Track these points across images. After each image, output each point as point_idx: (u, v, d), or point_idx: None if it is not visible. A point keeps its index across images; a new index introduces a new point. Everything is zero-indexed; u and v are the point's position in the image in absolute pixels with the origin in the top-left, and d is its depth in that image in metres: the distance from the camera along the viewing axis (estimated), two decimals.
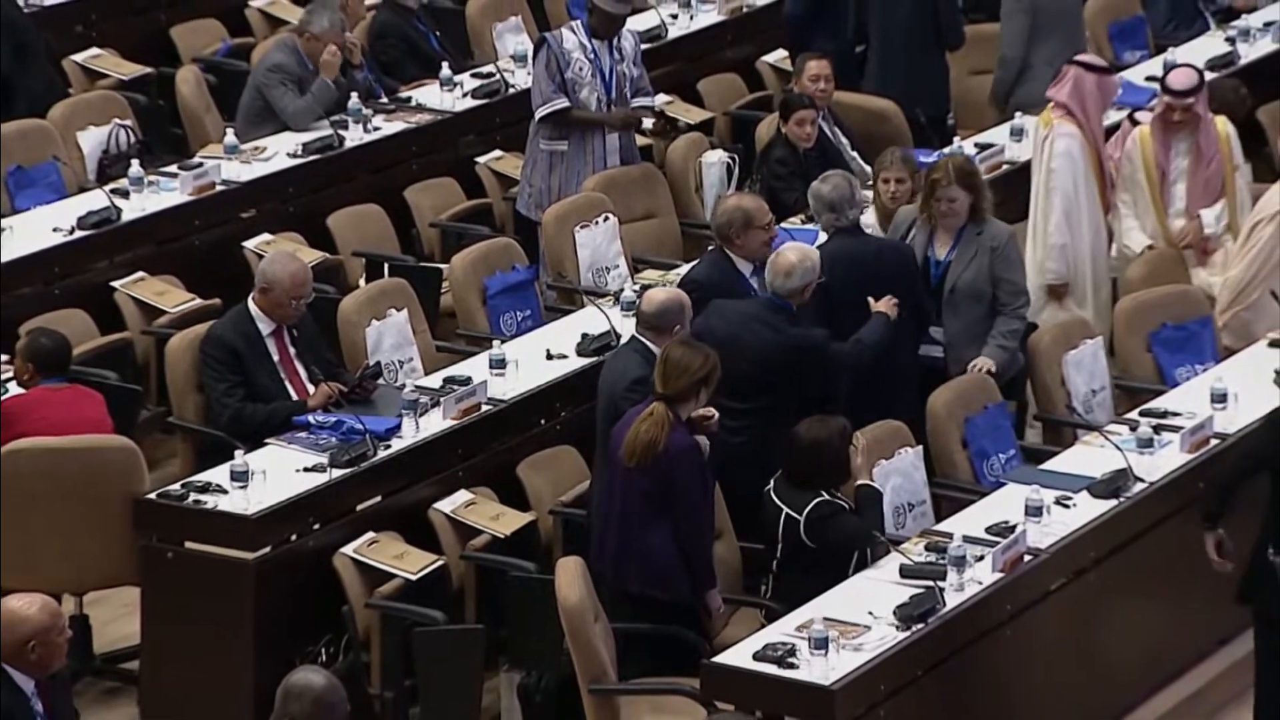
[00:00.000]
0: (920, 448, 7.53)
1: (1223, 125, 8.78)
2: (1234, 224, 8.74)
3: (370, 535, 7.18)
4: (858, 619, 6.55)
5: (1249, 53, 10.75)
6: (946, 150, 9.63)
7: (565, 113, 9.05)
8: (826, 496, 6.88)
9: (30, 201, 8.94)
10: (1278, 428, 6.84)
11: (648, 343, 7.18)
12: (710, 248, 8.16)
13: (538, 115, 9.09)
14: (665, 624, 6.77)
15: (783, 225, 8.82)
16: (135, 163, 9.01)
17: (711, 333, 7.35)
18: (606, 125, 9.09)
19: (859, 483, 6.97)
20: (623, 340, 7.67)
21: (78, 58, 10.07)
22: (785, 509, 6.86)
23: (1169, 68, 10.06)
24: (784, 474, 6.95)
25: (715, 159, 9.64)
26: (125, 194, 8.85)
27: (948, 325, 7.97)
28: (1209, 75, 10.25)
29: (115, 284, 8.53)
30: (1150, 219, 8.80)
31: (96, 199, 8.84)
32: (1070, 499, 7.23)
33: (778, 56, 10.53)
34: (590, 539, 7.07)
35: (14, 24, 9.63)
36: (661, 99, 9.87)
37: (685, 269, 8.36)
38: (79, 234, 8.61)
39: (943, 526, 7.15)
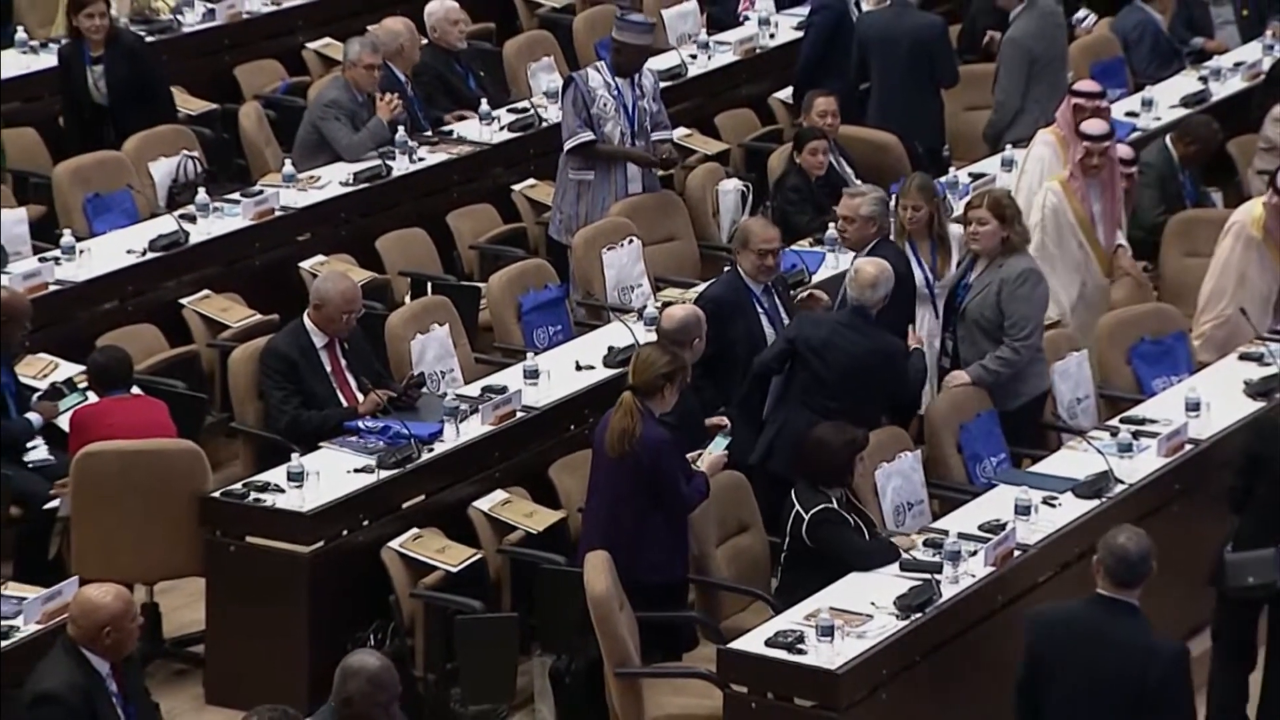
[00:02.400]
0: (919, 451, 7.51)
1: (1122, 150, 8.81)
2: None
3: (415, 531, 7.17)
4: (861, 608, 6.53)
5: (1220, 90, 10.71)
6: (945, 179, 9.64)
7: (590, 145, 9.04)
8: (836, 505, 6.86)
9: (106, 226, 8.95)
10: (1256, 430, 6.84)
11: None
12: (726, 268, 8.16)
13: (566, 147, 9.09)
14: (656, 606, 6.73)
15: (793, 248, 8.82)
16: (202, 190, 9.02)
17: (806, 341, 7.42)
18: (628, 160, 9.08)
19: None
20: None
21: None
22: (796, 506, 6.84)
23: (1145, 102, 10.11)
24: (800, 473, 6.94)
25: (730, 187, 9.64)
26: (192, 219, 8.85)
27: (959, 345, 7.86)
28: (1183, 111, 10.27)
29: (183, 301, 8.53)
30: (1090, 264, 8.62)
31: (166, 224, 8.84)
32: (1056, 499, 7.20)
33: (787, 93, 10.52)
34: (581, 531, 7.04)
35: (141, 58, 9.62)
36: (681, 132, 9.86)
37: (702, 287, 8.35)
38: (150, 255, 8.60)
39: (939, 524, 7.12)
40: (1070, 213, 8.44)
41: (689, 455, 6.95)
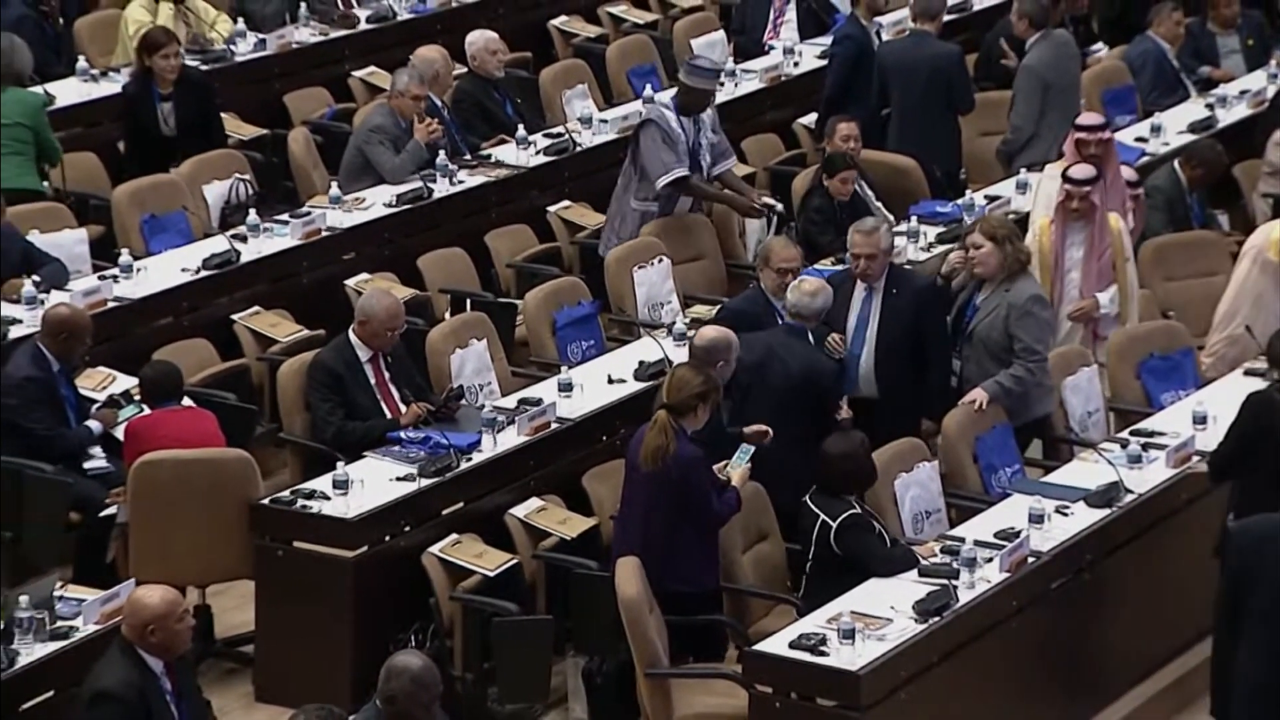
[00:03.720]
0: (936, 462, 7.48)
1: (1115, 221, 8.41)
2: (1124, 312, 8.39)
3: (454, 536, 7.17)
4: (881, 612, 6.51)
5: (1226, 117, 10.67)
6: (961, 201, 9.62)
7: (684, 181, 8.97)
8: (859, 510, 6.84)
9: (162, 245, 8.97)
10: (1253, 407, 6.84)
11: None
12: (751, 284, 8.15)
13: (659, 183, 8.95)
14: (688, 614, 6.71)
15: (815, 266, 8.80)
16: (252, 212, 9.04)
17: (740, 362, 7.33)
18: (726, 203, 8.96)
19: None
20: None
21: None
22: (822, 515, 6.82)
23: (1155, 128, 10.06)
24: (819, 485, 6.91)
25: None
26: (244, 239, 8.87)
27: (964, 366, 7.82)
28: (1191, 137, 10.23)
29: (234, 317, 8.54)
30: None
31: (219, 243, 8.86)
32: (1069, 508, 7.17)
33: (811, 119, 10.51)
34: (614, 538, 7.02)
35: (206, 93, 9.66)
36: (736, 164, 9.73)
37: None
38: (203, 274, 8.62)
39: (956, 532, 7.10)
40: (1039, 252, 8.29)
41: (715, 467, 6.94)
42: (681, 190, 9.03)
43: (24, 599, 6.38)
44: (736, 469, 6.94)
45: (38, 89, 9.58)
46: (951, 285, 8.01)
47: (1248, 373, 8.16)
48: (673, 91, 9.34)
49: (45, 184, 9.41)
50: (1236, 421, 6.99)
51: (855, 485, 6.87)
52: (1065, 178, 8.36)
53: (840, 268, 8.84)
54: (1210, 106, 10.73)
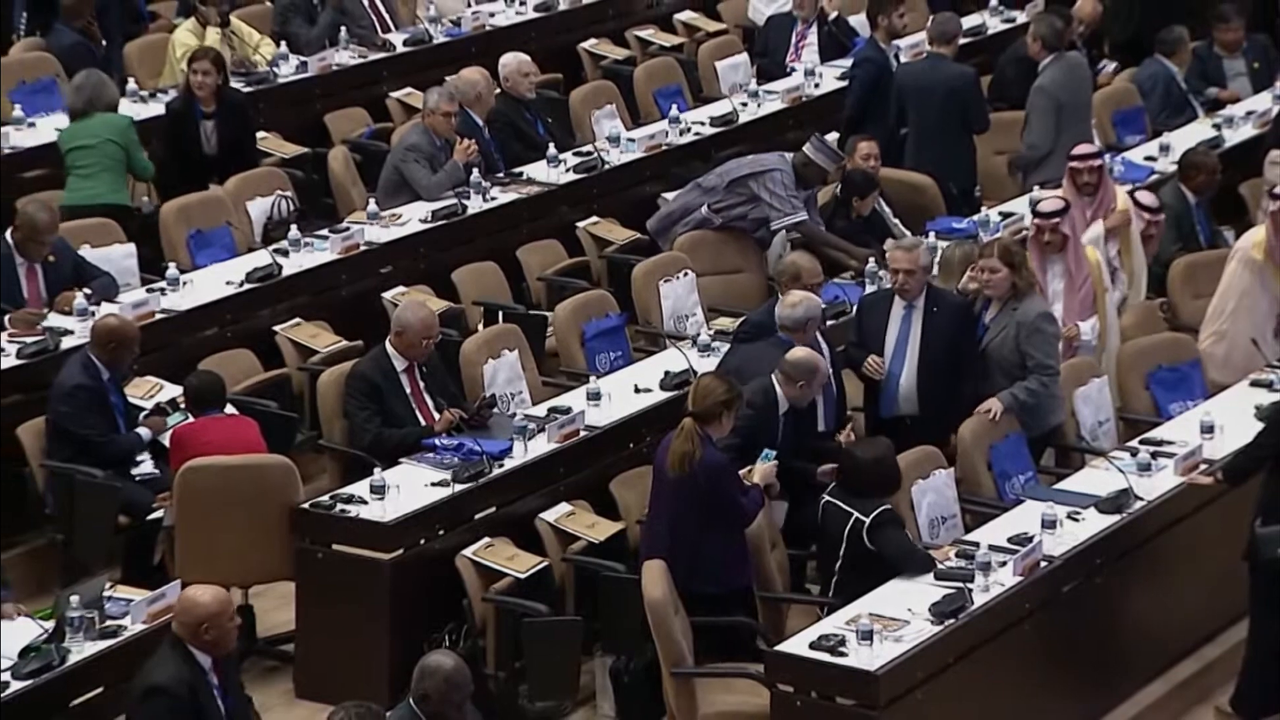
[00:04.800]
0: (952, 469, 7.46)
1: (1092, 253, 8.34)
2: (1102, 341, 8.33)
3: (486, 540, 7.17)
4: (898, 614, 6.49)
5: (1233, 137, 10.64)
6: (977, 217, 9.59)
7: (802, 224, 9.00)
8: (889, 507, 6.82)
9: (207, 259, 9.00)
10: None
11: (775, 383, 7.22)
12: (773, 297, 8.14)
13: (783, 222, 8.99)
14: (715, 613, 6.70)
15: (834, 281, 8.79)
16: (294, 227, 9.06)
17: (726, 367, 7.41)
18: (838, 249, 8.98)
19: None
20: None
21: None
22: (854, 513, 6.79)
23: (1164, 148, 10.02)
24: (843, 486, 6.90)
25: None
26: (285, 253, 8.89)
27: (980, 383, 7.77)
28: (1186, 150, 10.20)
29: (276, 328, 8.54)
30: None
31: (261, 257, 8.89)
32: (1080, 514, 7.15)
33: (832, 138, 10.49)
34: (641, 542, 7.01)
35: (246, 115, 9.70)
36: None
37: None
38: (247, 286, 8.64)
39: (971, 536, 7.08)
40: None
41: (739, 471, 6.93)
42: (798, 232, 9.04)
43: (75, 599, 6.40)
44: (759, 469, 6.93)
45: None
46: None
47: (1254, 384, 8.14)
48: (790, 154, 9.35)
49: (147, 199, 9.42)
50: (1264, 435, 6.95)
51: (881, 490, 6.86)
52: (1034, 211, 8.33)
53: (857, 283, 8.84)
54: (1217, 127, 10.71)
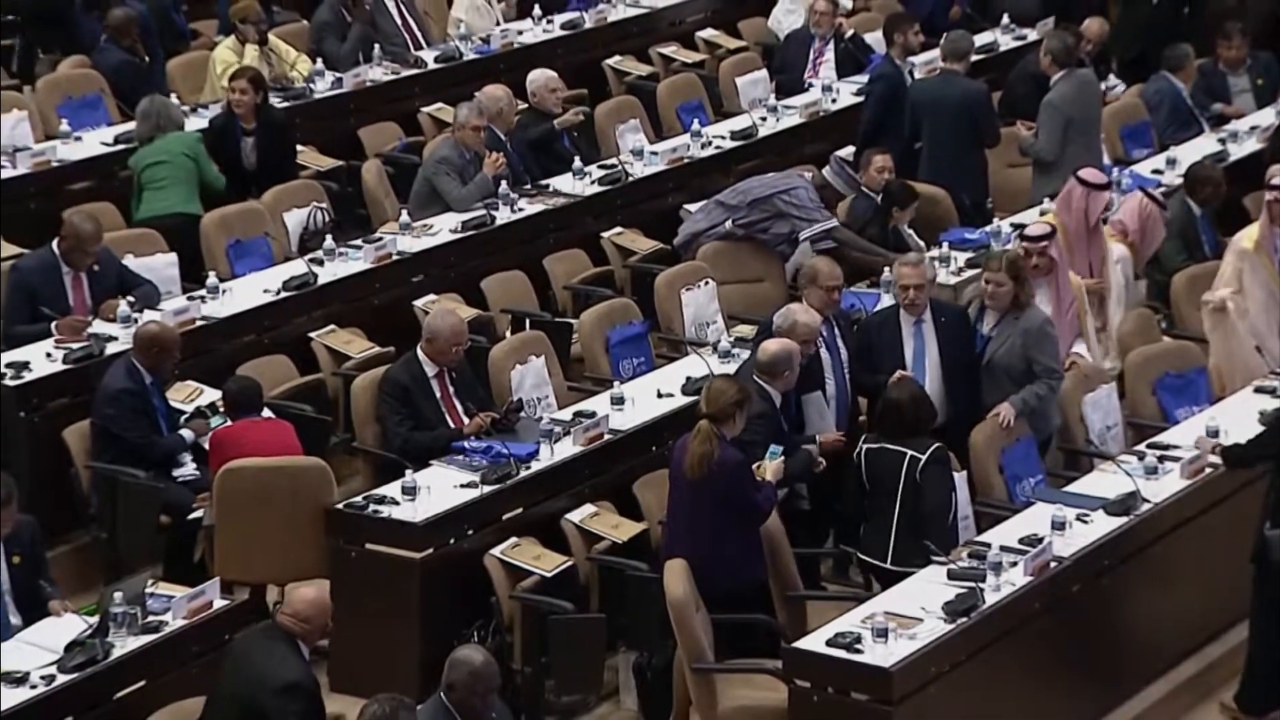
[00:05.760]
0: (965, 472, 7.45)
1: (1075, 279, 8.27)
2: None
3: (514, 540, 7.18)
4: (912, 613, 6.49)
5: (1237, 151, 10.62)
6: (989, 228, 9.58)
7: (835, 230, 9.05)
8: (941, 444, 6.90)
9: (246, 268, 9.02)
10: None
11: (763, 384, 7.24)
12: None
13: (813, 230, 9.00)
14: (730, 607, 6.70)
15: (852, 289, 8.79)
16: (329, 238, 9.09)
17: (744, 373, 7.38)
18: (869, 254, 9.00)
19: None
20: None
21: None
22: (909, 451, 6.85)
23: (1170, 162, 10.00)
24: (882, 431, 6.89)
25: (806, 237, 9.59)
26: (320, 262, 8.91)
27: (986, 391, 7.75)
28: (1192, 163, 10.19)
29: (311, 335, 8.57)
30: None
31: (297, 267, 8.91)
32: (1089, 516, 7.14)
33: (848, 151, 10.50)
34: (663, 542, 7.02)
35: (285, 133, 9.74)
36: None
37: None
38: (283, 295, 8.66)
39: (983, 538, 7.06)
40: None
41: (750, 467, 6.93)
42: (832, 238, 9.08)
43: (118, 595, 6.42)
44: (769, 465, 6.93)
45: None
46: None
47: (1258, 390, 8.11)
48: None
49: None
50: (1266, 436, 6.96)
51: (925, 425, 6.93)
52: (1021, 235, 8.28)
53: (873, 290, 8.83)
54: (1222, 141, 10.69)
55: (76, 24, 11.05)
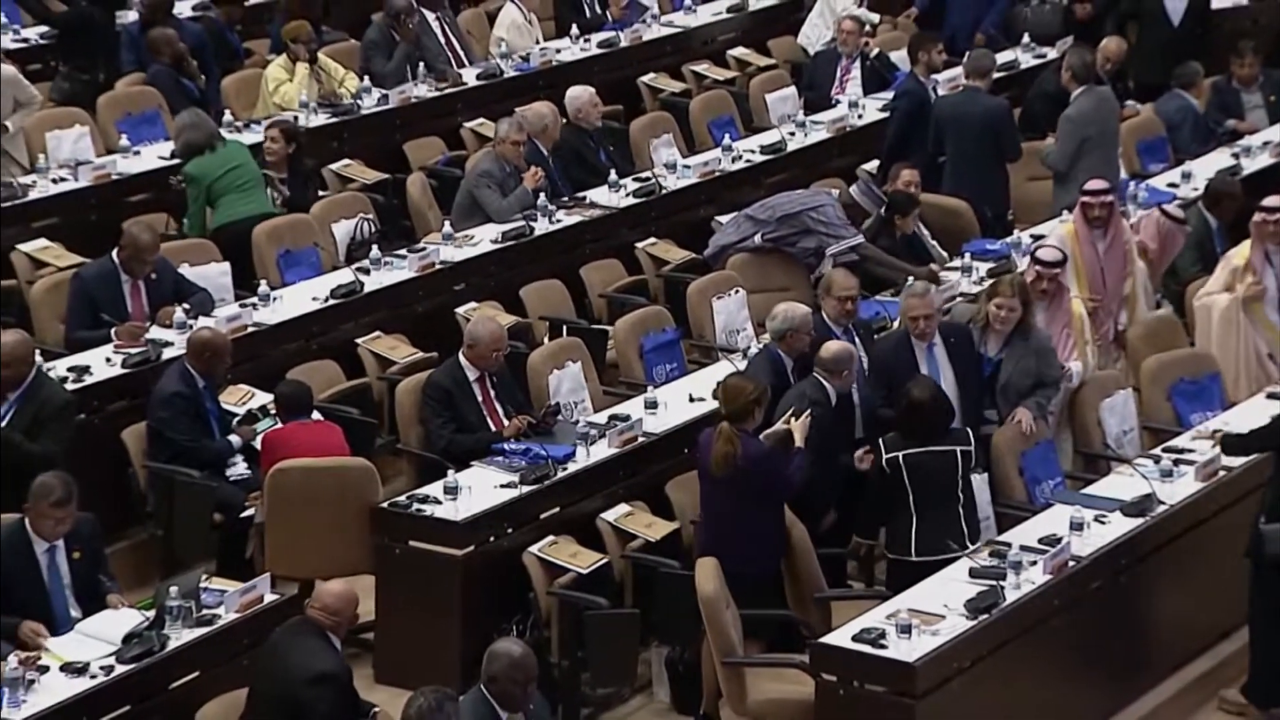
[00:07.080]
0: (985, 475, 7.43)
1: (1076, 306, 8.18)
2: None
3: (551, 538, 7.18)
4: (935, 610, 6.47)
5: (1251, 165, 10.56)
6: (1009, 239, 9.55)
7: (860, 245, 9.03)
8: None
9: (295, 277, 9.05)
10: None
11: (821, 379, 7.29)
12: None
13: (837, 248, 8.99)
14: (751, 594, 6.68)
15: (877, 298, 8.77)
16: (375, 248, 9.12)
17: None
18: (893, 268, 8.98)
19: None
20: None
21: (333, 167, 10.18)
22: (955, 448, 6.87)
23: (1186, 175, 9.95)
24: (907, 434, 6.88)
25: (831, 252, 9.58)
26: (367, 271, 8.94)
27: (1001, 409, 7.70)
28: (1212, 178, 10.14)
29: (358, 341, 8.58)
30: None
31: (345, 275, 8.93)
32: (1106, 517, 7.11)
33: (874, 165, 10.49)
34: (695, 540, 7.02)
35: (309, 177, 9.76)
36: None
37: None
38: (331, 302, 8.68)
39: (1004, 537, 7.04)
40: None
41: (767, 433, 6.87)
42: (858, 253, 9.05)
43: (174, 589, 6.45)
44: (796, 425, 6.86)
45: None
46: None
47: (1270, 396, 8.07)
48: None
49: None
50: (1267, 431, 6.93)
51: (944, 423, 6.92)
52: (1034, 259, 8.18)
53: (895, 299, 8.80)
54: (1236, 156, 10.64)
55: (114, 43, 11.01)
